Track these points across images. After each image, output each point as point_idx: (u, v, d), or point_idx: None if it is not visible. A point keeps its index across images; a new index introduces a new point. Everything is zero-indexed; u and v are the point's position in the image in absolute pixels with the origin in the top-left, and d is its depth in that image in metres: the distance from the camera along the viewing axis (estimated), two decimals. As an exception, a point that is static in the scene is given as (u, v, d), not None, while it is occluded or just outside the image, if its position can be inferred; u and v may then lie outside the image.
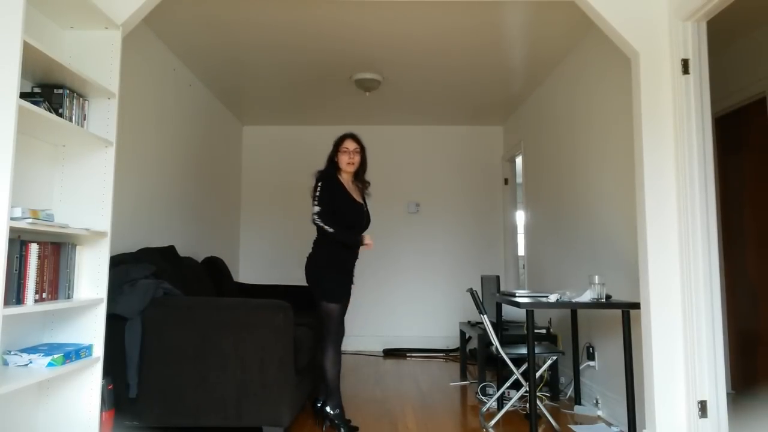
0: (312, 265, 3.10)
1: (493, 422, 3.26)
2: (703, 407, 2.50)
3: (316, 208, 3.03)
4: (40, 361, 2.15)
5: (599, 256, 3.62)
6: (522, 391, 3.27)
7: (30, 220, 1.99)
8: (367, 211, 3.24)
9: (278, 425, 2.82)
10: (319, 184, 3.08)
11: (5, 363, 2.16)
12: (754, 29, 3.60)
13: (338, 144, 3.21)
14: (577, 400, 3.63)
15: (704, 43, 2.64)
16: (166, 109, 4.12)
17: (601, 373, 3.57)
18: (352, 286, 3.23)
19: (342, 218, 3.06)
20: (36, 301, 2.09)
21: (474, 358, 4.91)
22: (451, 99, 5.31)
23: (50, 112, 2.25)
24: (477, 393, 3.96)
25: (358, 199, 3.19)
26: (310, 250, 3.15)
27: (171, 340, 2.82)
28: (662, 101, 2.70)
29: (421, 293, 6.07)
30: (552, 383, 3.87)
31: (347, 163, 3.15)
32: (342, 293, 3.11)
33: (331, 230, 3.00)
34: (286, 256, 6.12)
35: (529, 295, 3.47)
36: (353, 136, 3.23)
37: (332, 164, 3.19)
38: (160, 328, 2.83)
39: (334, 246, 3.07)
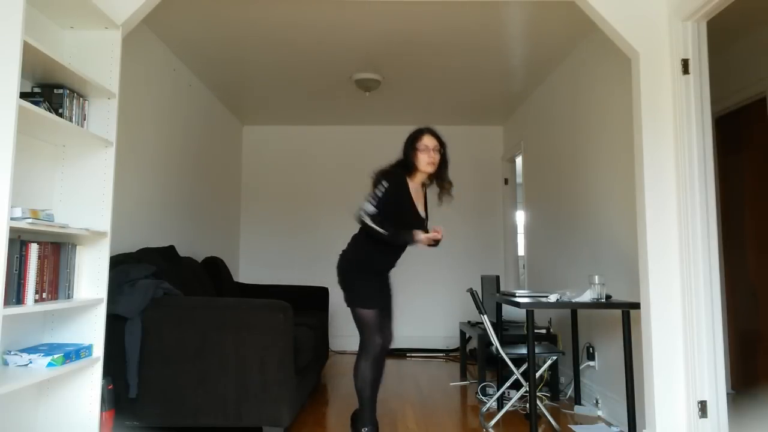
0: (346, 264, 2.80)
1: (493, 422, 3.26)
2: (703, 407, 2.50)
3: (371, 209, 2.67)
4: (40, 361, 2.15)
5: (599, 256, 3.62)
6: (522, 391, 3.27)
7: (30, 220, 1.99)
8: (426, 220, 2.89)
9: (278, 425, 2.82)
10: (384, 184, 2.69)
11: (5, 363, 2.16)
12: (754, 29, 3.60)
13: (414, 140, 2.78)
14: (577, 400, 3.63)
15: (704, 43, 2.64)
16: (166, 109, 4.12)
17: (601, 373, 3.57)
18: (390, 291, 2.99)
19: (397, 224, 2.72)
20: (36, 301, 2.09)
21: (474, 358, 4.91)
22: (451, 99, 5.31)
23: (50, 112, 2.25)
24: (477, 393, 3.96)
25: (421, 207, 2.86)
26: (346, 246, 2.85)
27: (171, 340, 2.82)
28: (662, 101, 2.70)
29: (421, 293, 6.06)
30: (552, 383, 3.87)
31: (428, 163, 2.75)
32: (380, 298, 2.82)
33: (384, 233, 2.66)
34: (286, 255, 6.12)
35: (529, 295, 3.48)
36: (432, 132, 2.81)
37: (406, 163, 2.78)
38: (160, 328, 2.83)
39: (378, 245, 2.76)
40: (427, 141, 2.78)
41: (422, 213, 2.89)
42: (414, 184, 2.84)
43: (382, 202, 2.69)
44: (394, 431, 3.08)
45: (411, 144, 2.80)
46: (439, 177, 2.84)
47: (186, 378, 2.80)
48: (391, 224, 2.69)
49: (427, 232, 2.80)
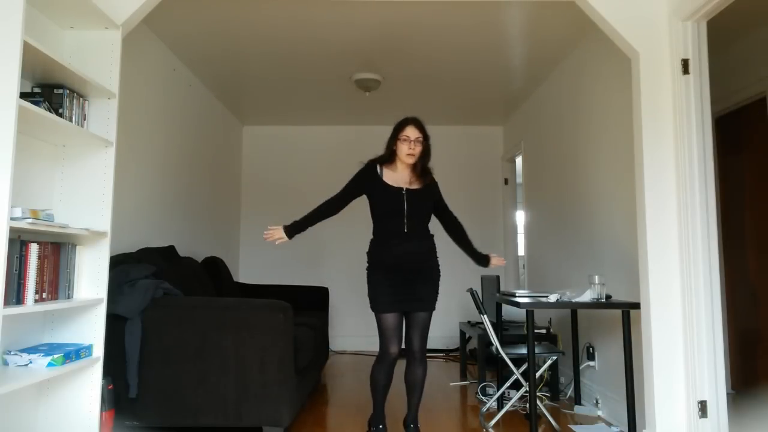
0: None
1: (493, 422, 3.26)
2: (703, 407, 2.50)
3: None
4: (40, 361, 2.15)
5: (599, 256, 3.62)
6: (522, 391, 3.28)
7: (30, 220, 1.99)
8: (418, 195, 2.82)
9: (278, 425, 2.82)
10: (359, 170, 2.88)
11: (5, 363, 2.16)
12: (754, 29, 3.60)
13: (398, 130, 2.81)
14: (577, 400, 3.63)
15: (704, 43, 2.64)
16: (166, 109, 4.12)
17: (601, 373, 3.56)
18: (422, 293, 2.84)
19: (377, 208, 2.82)
20: (36, 301, 2.09)
21: (474, 358, 4.91)
22: (451, 99, 5.31)
23: (50, 112, 2.25)
24: (477, 393, 3.96)
25: (407, 185, 2.82)
26: None
27: (171, 340, 2.82)
28: (662, 101, 2.70)
29: (421, 293, 6.06)
30: (552, 383, 3.87)
31: (407, 153, 2.77)
32: (388, 302, 2.73)
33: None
34: (286, 256, 6.12)
35: (529, 295, 3.48)
36: (416, 122, 2.82)
37: (389, 152, 2.83)
38: (160, 328, 2.83)
39: (375, 239, 2.83)
40: (410, 132, 2.80)
41: (405, 186, 2.82)
42: (397, 174, 2.85)
43: (345, 186, 2.88)
44: (394, 431, 3.08)
45: (394, 134, 2.84)
46: (419, 165, 2.86)
47: (186, 378, 2.80)
48: (374, 212, 2.84)
49: (402, 206, 2.78)
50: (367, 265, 2.88)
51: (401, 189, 2.81)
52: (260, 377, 2.80)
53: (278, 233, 2.83)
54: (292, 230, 2.85)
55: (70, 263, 2.34)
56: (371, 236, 2.91)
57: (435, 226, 3.03)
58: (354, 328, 6.00)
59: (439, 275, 2.96)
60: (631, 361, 2.91)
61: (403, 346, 2.85)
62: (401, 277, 2.78)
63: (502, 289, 5.66)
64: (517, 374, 3.29)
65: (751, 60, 3.68)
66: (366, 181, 2.85)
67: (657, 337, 2.61)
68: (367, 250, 2.91)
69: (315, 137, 6.32)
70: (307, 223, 2.86)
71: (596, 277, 3.03)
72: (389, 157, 2.85)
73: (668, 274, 2.63)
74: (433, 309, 2.90)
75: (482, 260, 3.05)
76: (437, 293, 2.93)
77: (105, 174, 2.51)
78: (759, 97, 3.66)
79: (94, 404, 2.44)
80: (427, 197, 2.90)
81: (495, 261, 3.03)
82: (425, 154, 2.85)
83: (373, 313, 2.80)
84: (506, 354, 3.28)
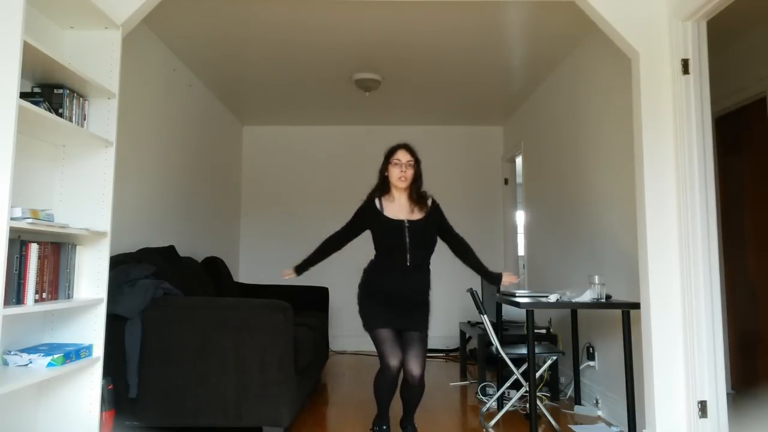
0: (358, 289, 2.92)
1: (493, 422, 3.26)
2: (703, 407, 2.50)
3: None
4: (40, 361, 2.15)
5: (599, 256, 3.62)
6: (522, 391, 3.28)
7: (30, 220, 1.99)
8: (420, 226, 2.82)
9: (278, 425, 2.82)
10: (359, 207, 2.91)
11: (5, 363, 2.16)
12: (754, 29, 3.60)
13: (389, 155, 2.87)
14: (577, 400, 3.63)
15: (704, 43, 2.64)
16: (166, 109, 4.12)
17: (601, 373, 3.56)
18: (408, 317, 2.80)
19: (380, 243, 2.85)
20: (36, 301, 2.09)
21: (474, 358, 4.91)
22: (451, 99, 5.31)
23: (50, 112, 2.25)
24: (477, 393, 3.96)
25: (409, 215, 2.83)
26: None
27: (171, 340, 2.82)
28: (662, 101, 2.70)
29: (421, 293, 6.05)
30: (552, 383, 3.87)
31: (398, 177, 2.80)
32: (383, 317, 2.76)
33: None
34: (286, 256, 6.07)
35: (529, 295, 3.48)
36: (406, 147, 2.87)
37: (383, 179, 2.88)
38: (160, 328, 2.83)
39: (373, 267, 2.88)
40: (401, 155, 2.84)
41: (406, 218, 2.82)
42: (395, 204, 2.86)
43: (347, 223, 2.94)
44: (394, 431, 3.08)
45: (386, 159, 2.89)
46: (414, 190, 2.88)
47: (186, 378, 2.80)
48: (376, 245, 2.86)
49: (404, 239, 2.77)
50: (360, 288, 2.88)
51: (402, 222, 2.80)
52: (260, 377, 2.80)
53: (289, 272, 2.98)
54: (298, 270, 2.97)
55: (70, 263, 2.34)
56: (371, 257, 2.90)
57: (440, 247, 3.01)
58: (354, 328, 5.97)
59: (430, 310, 2.94)
60: (631, 361, 2.91)
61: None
62: (399, 304, 2.79)
63: (502, 289, 5.66)
64: (517, 374, 3.29)
65: (751, 60, 3.68)
66: (366, 219, 2.88)
67: (657, 337, 2.61)
68: (365, 267, 2.90)
69: (315, 137, 6.32)
70: (310, 264, 2.96)
71: (596, 277, 3.03)
72: (383, 184, 2.88)
73: (668, 274, 2.63)
74: (426, 332, 2.87)
75: (494, 279, 3.04)
76: (428, 322, 2.90)
77: (105, 174, 2.51)
78: (759, 97, 3.65)
79: (94, 404, 2.44)
80: (430, 226, 2.89)
81: (507, 279, 3.01)
82: (417, 177, 2.87)
83: (368, 333, 2.81)
84: (506, 354, 3.28)
